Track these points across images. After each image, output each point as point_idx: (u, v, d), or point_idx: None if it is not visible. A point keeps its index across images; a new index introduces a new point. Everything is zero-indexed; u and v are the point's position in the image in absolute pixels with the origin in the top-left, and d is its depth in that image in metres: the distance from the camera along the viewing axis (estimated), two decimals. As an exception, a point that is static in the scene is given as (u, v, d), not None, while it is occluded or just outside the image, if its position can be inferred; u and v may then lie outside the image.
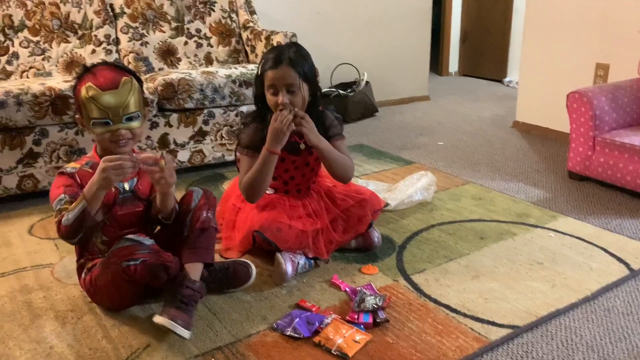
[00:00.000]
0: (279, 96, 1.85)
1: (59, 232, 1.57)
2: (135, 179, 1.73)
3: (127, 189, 1.71)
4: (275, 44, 3.24)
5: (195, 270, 1.65)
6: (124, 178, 1.55)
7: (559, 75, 3.57)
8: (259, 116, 1.98)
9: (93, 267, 1.67)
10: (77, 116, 1.67)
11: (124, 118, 1.60)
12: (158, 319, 1.51)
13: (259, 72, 1.90)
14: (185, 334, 1.51)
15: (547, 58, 3.65)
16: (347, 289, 1.81)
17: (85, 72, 1.62)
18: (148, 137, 2.81)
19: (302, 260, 1.91)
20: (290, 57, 1.84)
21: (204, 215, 1.70)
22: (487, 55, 5.98)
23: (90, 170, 1.63)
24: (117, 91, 1.58)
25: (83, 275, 1.70)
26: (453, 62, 6.29)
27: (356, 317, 1.64)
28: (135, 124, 1.63)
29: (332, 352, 1.50)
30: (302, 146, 1.99)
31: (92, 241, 1.69)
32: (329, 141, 2.02)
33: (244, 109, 3.02)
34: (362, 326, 1.60)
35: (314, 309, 1.69)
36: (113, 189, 1.66)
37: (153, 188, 1.76)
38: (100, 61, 1.70)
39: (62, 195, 1.59)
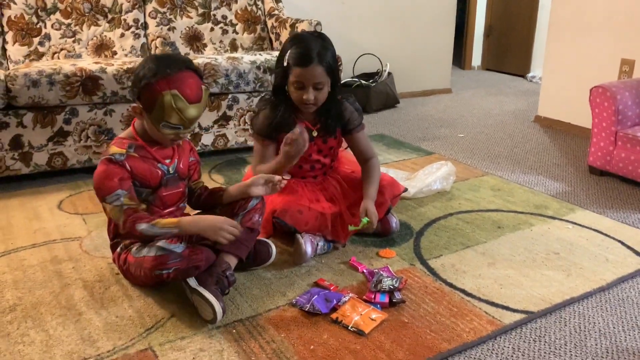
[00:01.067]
0: (306, 93, 1.87)
1: (125, 229, 1.59)
2: (177, 160, 1.75)
3: (171, 171, 1.73)
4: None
5: (232, 260, 1.73)
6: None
7: (583, 70, 3.55)
8: (274, 104, 1.98)
9: (131, 244, 1.69)
10: (134, 105, 1.63)
11: (194, 124, 1.65)
12: (205, 292, 1.57)
13: (285, 64, 1.88)
14: (220, 315, 1.56)
15: (572, 53, 3.63)
16: (365, 271, 1.85)
17: (165, 73, 1.54)
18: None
19: (321, 242, 1.96)
20: (319, 53, 1.84)
21: (256, 217, 1.80)
22: (510, 50, 5.94)
23: (136, 155, 1.65)
24: (199, 104, 1.60)
25: (118, 250, 1.73)
26: (476, 56, 6.27)
27: (373, 297, 1.68)
28: (196, 124, 1.69)
29: (349, 328, 1.54)
30: (315, 133, 2.03)
31: None
32: (351, 133, 2.07)
33: (265, 95, 3.07)
34: (378, 305, 1.64)
35: (332, 288, 1.74)
36: (160, 172, 1.69)
37: (191, 170, 1.82)
38: (177, 58, 1.64)
39: (120, 192, 1.59)
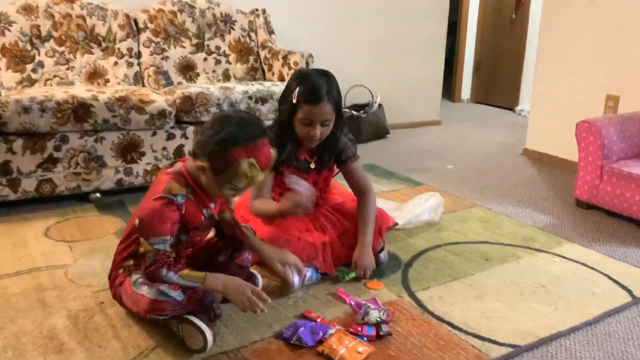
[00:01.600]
0: (314, 129, 1.90)
1: (148, 270, 1.53)
2: (214, 205, 1.71)
3: (208, 215, 1.69)
4: (292, 64, 3.32)
5: (219, 295, 1.72)
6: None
7: (569, 105, 3.62)
8: (280, 138, 1.96)
9: (134, 269, 1.64)
10: (200, 164, 1.53)
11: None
12: (195, 319, 1.56)
13: (294, 101, 1.88)
14: (211, 342, 1.55)
15: (559, 88, 3.70)
16: (352, 302, 1.84)
17: (247, 142, 1.50)
18: (164, 148, 2.88)
19: (309, 273, 1.95)
20: (329, 91, 1.87)
21: (246, 254, 1.81)
22: (499, 83, 6.05)
23: (193, 199, 1.60)
24: (266, 172, 1.59)
25: (119, 271, 1.67)
26: (465, 89, 6.37)
27: (360, 329, 1.67)
28: None
29: (335, 361, 1.53)
30: (312, 165, 2.05)
31: None
32: (344, 164, 2.09)
33: (258, 124, 3.09)
34: (365, 338, 1.63)
35: (318, 320, 1.73)
36: (203, 217, 1.66)
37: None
38: (250, 116, 1.62)
39: (168, 237, 1.54)
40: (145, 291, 1.55)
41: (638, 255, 2.32)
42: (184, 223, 1.61)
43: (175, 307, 1.54)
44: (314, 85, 1.87)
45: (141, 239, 1.56)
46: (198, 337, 1.55)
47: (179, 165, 1.64)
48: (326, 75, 1.93)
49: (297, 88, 1.88)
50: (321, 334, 1.63)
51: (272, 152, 1.60)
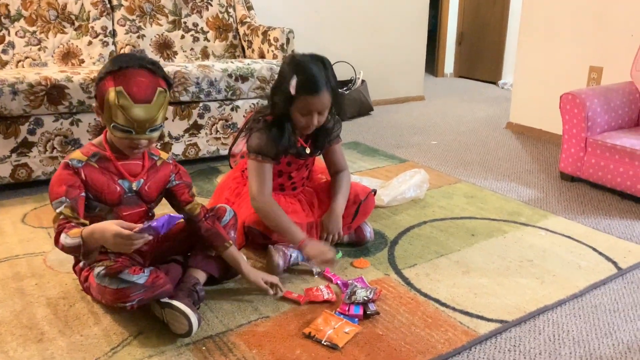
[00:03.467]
0: (312, 119, 1.84)
1: (56, 244, 1.47)
2: (142, 180, 1.63)
3: (134, 189, 1.62)
4: (272, 40, 3.25)
5: (202, 275, 1.70)
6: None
7: (553, 77, 3.60)
8: (275, 127, 1.89)
9: (94, 263, 1.58)
10: (94, 105, 1.54)
11: (148, 130, 1.51)
12: (178, 304, 1.52)
13: (292, 92, 1.79)
14: (196, 326, 1.52)
15: (542, 61, 3.68)
16: (339, 282, 1.82)
17: (118, 68, 1.45)
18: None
19: (294, 253, 1.92)
20: (327, 80, 1.80)
21: (232, 234, 1.77)
22: (482, 57, 6.01)
23: (96, 166, 1.55)
24: (149, 105, 1.47)
25: (81, 265, 1.64)
26: (449, 64, 6.33)
27: (347, 309, 1.65)
28: (156, 134, 1.54)
29: (323, 342, 1.51)
30: (308, 150, 2.00)
31: None
32: (330, 145, 2.05)
33: (239, 103, 3.03)
34: (355, 319, 1.61)
35: (300, 300, 1.71)
36: (118, 188, 1.59)
37: (175, 195, 1.71)
38: (131, 55, 1.52)
39: (63, 198, 1.48)
40: (108, 282, 1.50)
41: (623, 227, 2.33)
42: (95, 194, 1.55)
43: (140, 292, 1.49)
44: (312, 74, 1.78)
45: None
46: (182, 321, 1.51)
47: (101, 136, 1.61)
48: (322, 61, 1.84)
49: (294, 78, 1.78)
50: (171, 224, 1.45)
51: (160, 88, 1.49)
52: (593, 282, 1.86)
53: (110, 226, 1.37)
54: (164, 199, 1.75)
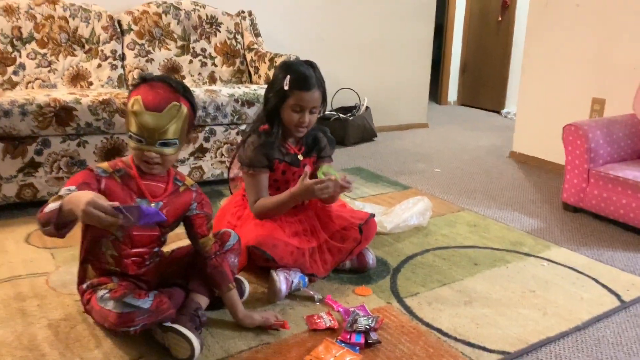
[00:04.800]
0: (303, 115, 1.95)
1: (37, 217, 1.38)
2: (161, 203, 1.61)
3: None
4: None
5: (203, 300, 1.70)
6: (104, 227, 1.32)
7: (556, 108, 3.63)
8: (264, 130, 2.01)
9: (98, 285, 1.59)
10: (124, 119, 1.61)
11: (158, 142, 1.51)
12: (180, 328, 1.52)
13: (285, 87, 1.92)
14: (198, 350, 1.52)
15: (545, 91, 3.71)
16: (340, 309, 1.82)
17: (144, 82, 1.54)
18: (149, 152, 2.83)
19: (296, 279, 1.92)
20: (318, 78, 1.95)
21: (232, 259, 1.76)
22: (486, 86, 6.07)
23: (119, 181, 1.56)
24: (159, 114, 1.49)
25: (84, 286, 1.64)
26: (452, 92, 6.39)
27: (348, 337, 1.65)
28: (168, 150, 1.54)
29: (323, 370, 1.50)
30: (301, 157, 2.06)
31: (100, 248, 1.61)
32: (320, 161, 2.14)
33: (245, 127, 3.06)
34: (357, 348, 1.61)
35: (286, 325, 1.70)
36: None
37: (193, 224, 1.70)
38: (164, 75, 1.59)
39: (73, 187, 1.45)
40: (112, 306, 1.49)
41: (626, 259, 2.32)
42: None
43: (144, 316, 1.49)
44: (304, 73, 1.95)
45: None
46: (184, 345, 1.51)
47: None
48: (311, 64, 2.01)
49: (288, 76, 1.93)
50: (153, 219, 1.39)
51: (175, 102, 1.51)
52: (596, 315, 1.85)
53: (88, 193, 1.30)
54: (181, 226, 1.74)
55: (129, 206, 1.30)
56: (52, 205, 1.35)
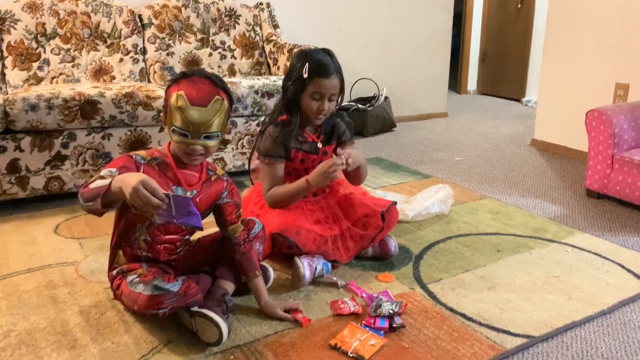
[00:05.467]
0: (322, 103, 1.95)
1: (82, 190, 1.43)
2: (195, 191, 1.65)
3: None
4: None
5: (230, 286, 1.74)
6: (147, 212, 1.40)
7: (578, 94, 3.59)
8: (282, 120, 2.02)
9: (128, 271, 1.63)
10: (162, 114, 1.64)
11: (203, 135, 1.56)
12: (209, 312, 1.55)
13: (305, 75, 1.92)
14: (226, 334, 1.55)
15: (567, 77, 3.67)
16: (364, 295, 1.83)
17: (184, 77, 1.57)
18: (171, 144, 2.87)
19: (319, 265, 1.94)
20: (336, 65, 1.97)
21: (257, 246, 1.79)
22: (506, 74, 6.01)
23: (156, 169, 1.60)
24: (205, 109, 1.53)
25: (114, 273, 1.68)
26: (472, 81, 6.34)
27: (372, 321, 1.66)
28: (212, 142, 1.59)
29: (349, 354, 1.52)
30: (320, 145, 2.06)
31: (134, 234, 1.64)
32: (342, 146, 2.14)
33: (264, 118, 3.08)
34: (381, 332, 1.62)
35: (304, 323, 1.69)
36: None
37: (222, 213, 1.73)
38: (200, 69, 1.64)
39: (114, 170, 1.49)
40: (142, 289, 1.54)
41: (651, 244, 2.30)
42: None
43: (173, 299, 1.52)
44: (322, 60, 1.96)
45: None
46: (213, 330, 1.54)
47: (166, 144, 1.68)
48: (328, 52, 2.02)
49: (307, 64, 1.94)
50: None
51: (218, 96, 1.55)
52: (622, 299, 1.84)
53: (140, 174, 1.38)
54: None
55: (179, 196, 1.36)
56: (99, 182, 1.41)
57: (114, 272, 1.68)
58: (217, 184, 1.72)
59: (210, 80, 1.57)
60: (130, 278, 1.59)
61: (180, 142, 1.57)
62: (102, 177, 1.45)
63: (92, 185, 1.42)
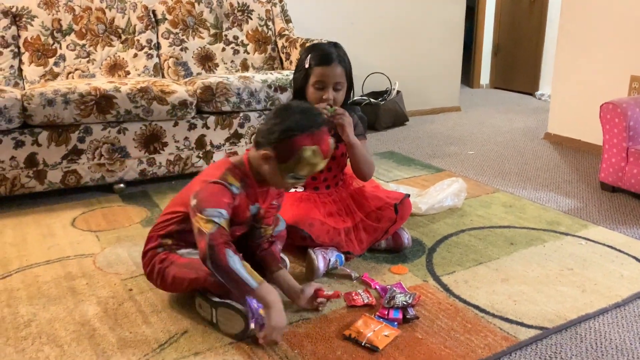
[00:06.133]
0: (326, 92, 1.95)
1: (212, 253, 1.46)
2: (275, 203, 1.76)
3: (254, 211, 1.70)
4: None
5: None
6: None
7: (592, 87, 3.56)
8: None
9: (175, 246, 1.67)
10: (265, 152, 1.54)
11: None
12: (233, 303, 1.57)
13: (306, 66, 1.96)
14: (251, 326, 1.57)
15: (581, 70, 3.64)
16: (377, 287, 1.85)
17: (312, 129, 1.52)
18: (186, 138, 2.90)
19: (333, 257, 1.96)
20: (339, 55, 1.96)
21: (278, 245, 1.84)
22: (519, 68, 5.97)
23: (244, 194, 1.61)
24: (327, 159, 1.59)
25: (159, 250, 1.67)
26: (485, 75, 6.30)
27: (386, 313, 1.67)
28: None
29: (363, 344, 1.54)
30: (331, 140, 2.06)
31: (191, 236, 1.58)
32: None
33: (278, 113, 3.10)
34: (395, 323, 1.63)
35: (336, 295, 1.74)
36: (248, 213, 1.66)
37: (267, 213, 1.76)
38: (308, 106, 1.62)
39: (224, 211, 1.51)
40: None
41: (666, 237, 2.29)
42: (232, 216, 1.57)
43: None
44: (324, 49, 1.98)
45: (196, 215, 1.50)
46: (238, 320, 1.55)
47: (241, 156, 1.65)
48: (334, 44, 2.03)
49: (310, 54, 1.97)
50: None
51: (331, 141, 1.59)
52: (636, 292, 1.83)
53: (285, 319, 1.53)
54: None
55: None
56: (244, 274, 1.47)
57: (159, 249, 1.68)
58: (272, 191, 1.75)
59: (328, 128, 1.59)
60: (183, 251, 1.65)
61: (293, 185, 1.66)
62: (212, 221, 1.47)
63: (233, 266, 1.46)
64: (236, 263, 1.47)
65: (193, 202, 1.53)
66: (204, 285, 1.61)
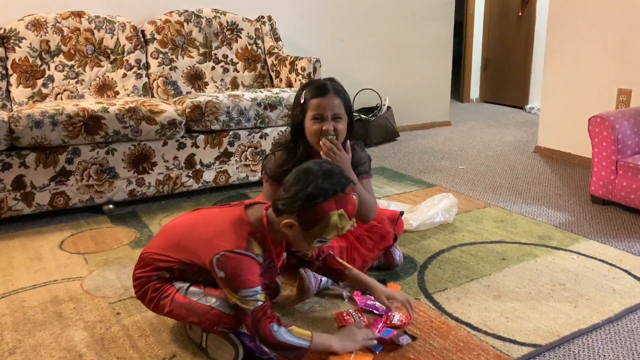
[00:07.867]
0: (325, 123, 1.84)
1: (258, 330, 1.44)
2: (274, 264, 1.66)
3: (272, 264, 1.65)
4: (299, 69, 3.32)
5: None
6: None
7: (581, 101, 3.59)
8: (290, 147, 1.95)
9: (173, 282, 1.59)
10: (289, 221, 1.47)
11: None
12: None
13: (302, 100, 1.88)
14: (242, 355, 1.53)
15: (569, 84, 3.67)
16: (368, 302, 1.83)
17: (338, 195, 1.47)
18: (175, 158, 2.89)
19: (324, 278, 1.94)
20: (335, 87, 1.88)
21: (330, 256, 1.84)
22: (508, 82, 6.01)
23: (262, 264, 1.54)
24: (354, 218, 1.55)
25: (154, 278, 1.59)
26: (474, 89, 6.34)
27: (377, 330, 1.65)
28: None
29: (354, 366, 1.51)
30: None
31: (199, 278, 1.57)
32: (358, 177, 2.02)
33: (268, 131, 3.10)
34: (379, 347, 1.60)
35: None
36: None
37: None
38: (331, 166, 1.55)
39: (259, 288, 1.46)
40: (215, 303, 1.51)
41: (657, 250, 2.28)
42: None
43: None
44: (319, 82, 1.92)
45: (230, 293, 1.46)
46: (228, 349, 1.52)
47: (260, 212, 1.56)
48: (331, 79, 1.95)
49: (304, 90, 1.91)
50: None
51: (355, 197, 1.54)
52: (629, 306, 1.82)
53: (348, 344, 1.53)
54: None
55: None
56: (295, 340, 1.45)
57: (153, 277, 1.60)
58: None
59: (352, 184, 1.54)
60: (179, 285, 1.56)
61: (317, 247, 1.61)
62: (249, 301, 1.44)
63: (284, 339, 1.44)
64: (283, 335, 1.44)
65: (220, 273, 1.45)
66: (207, 328, 1.56)
